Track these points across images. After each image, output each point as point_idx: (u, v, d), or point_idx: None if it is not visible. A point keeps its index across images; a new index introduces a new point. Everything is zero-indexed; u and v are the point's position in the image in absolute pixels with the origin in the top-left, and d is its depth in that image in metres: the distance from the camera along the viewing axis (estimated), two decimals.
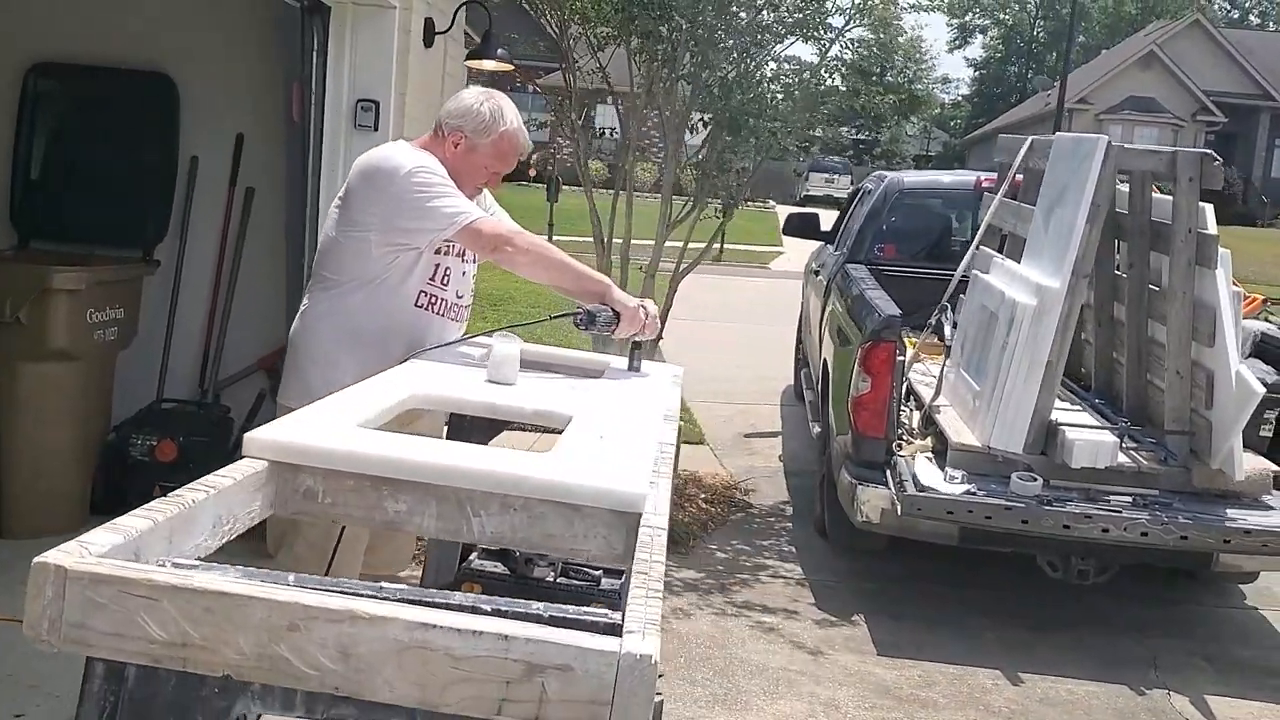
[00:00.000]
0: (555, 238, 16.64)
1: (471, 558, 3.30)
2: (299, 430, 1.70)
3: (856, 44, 5.78)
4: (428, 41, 4.50)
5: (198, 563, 1.29)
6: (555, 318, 2.87)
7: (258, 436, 1.64)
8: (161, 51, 5.05)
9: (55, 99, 5.22)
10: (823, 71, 5.78)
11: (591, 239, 5.96)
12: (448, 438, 2.82)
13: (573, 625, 1.19)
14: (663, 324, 6.12)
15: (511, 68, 4.76)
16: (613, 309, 2.72)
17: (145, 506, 1.30)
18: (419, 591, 1.28)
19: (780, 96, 5.47)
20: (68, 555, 1.13)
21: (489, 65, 4.59)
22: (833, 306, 6.16)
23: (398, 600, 1.18)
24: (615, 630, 1.17)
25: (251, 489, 1.57)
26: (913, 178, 7.55)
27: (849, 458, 4.81)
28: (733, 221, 18.45)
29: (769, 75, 5.58)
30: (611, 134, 6.29)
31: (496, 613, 1.23)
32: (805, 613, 4.56)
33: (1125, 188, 4.53)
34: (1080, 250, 4.19)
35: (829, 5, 5.74)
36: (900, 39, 51.51)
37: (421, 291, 2.78)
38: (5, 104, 5.15)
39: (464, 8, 4.68)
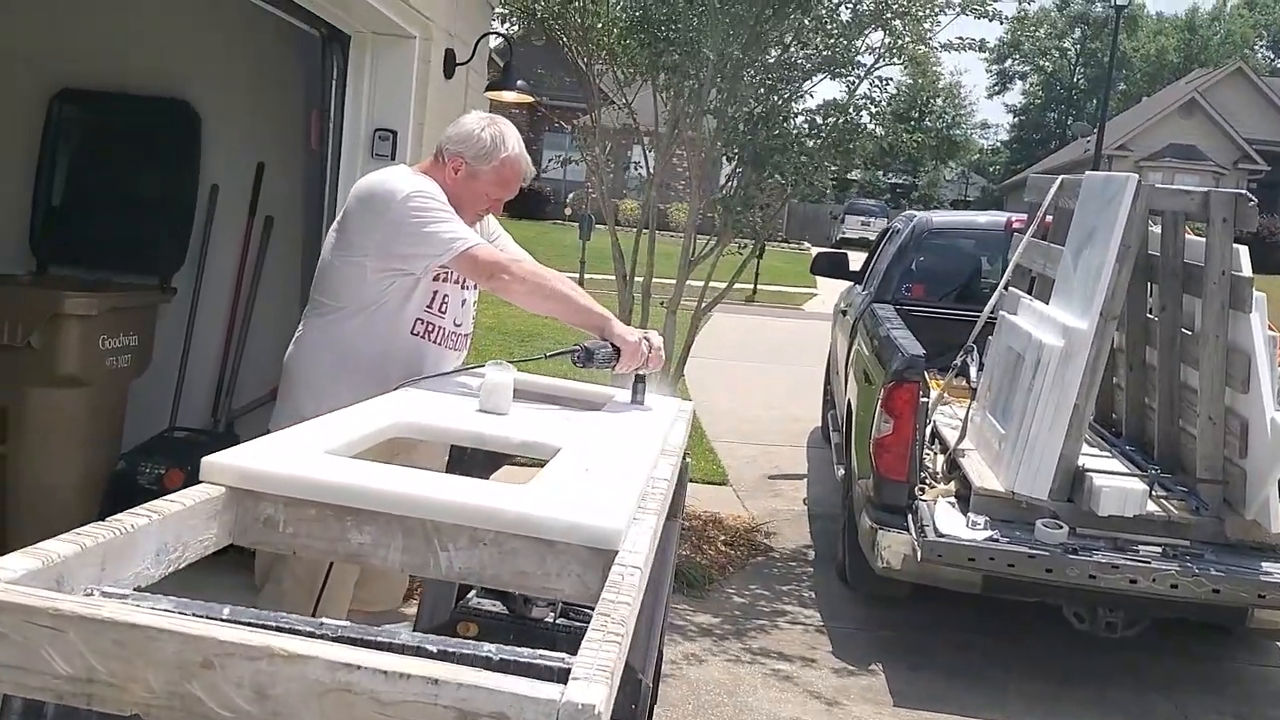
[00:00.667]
0: (587, 276, 16.62)
1: (469, 596, 3.20)
2: (261, 456, 1.62)
3: (886, 83, 5.67)
4: (448, 73, 4.46)
5: (129, 592, 1.21)
6: (551, 355, 2.79)
7: (216, 461, 1.56)
8: (184, 79, 5.05)
9: (79, 125, 5.23)
10: (850, 110, 5.69)
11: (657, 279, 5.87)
12: (448, 471, 2.73)
13: (524, 671, 1.09)
14: (684, 361, 6.06)
15: (532, 100, 4.71)
16: (613, 344, 2.63)
17: (75, 531, 1.22)
18: (362, 629, 1.18)
19: (807, 133, 5.39)
20: None
21: (509, 97, 4.55)
22: (858, 346, 6.06)
23: (325, 637, 1.09)
24: (565, 677, 1.07)
25: (205, 515, 1.49)
26: (941, 217, 7.44)
27: (870, 501, 4.68)
28: (765, 262, 18.33)
29: (796, 111, 5.50)
30: (636, 168, 6.20)
31: (442, 654, 1.14)
32: (822, 660, 4.42)
33: (1158, 229, 4.41)
34: (1109, 291, 4.07)
35: (859, 44, 5.67)
36: (939, 83, 51.60)
37: (418, 319, 2.70)
38: (30, 130, 5.16)
39: (486, 40, 4.65)
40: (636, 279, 5.78)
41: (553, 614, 3.07)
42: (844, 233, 34.35)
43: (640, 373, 2.68)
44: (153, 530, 1.35)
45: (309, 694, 1.00)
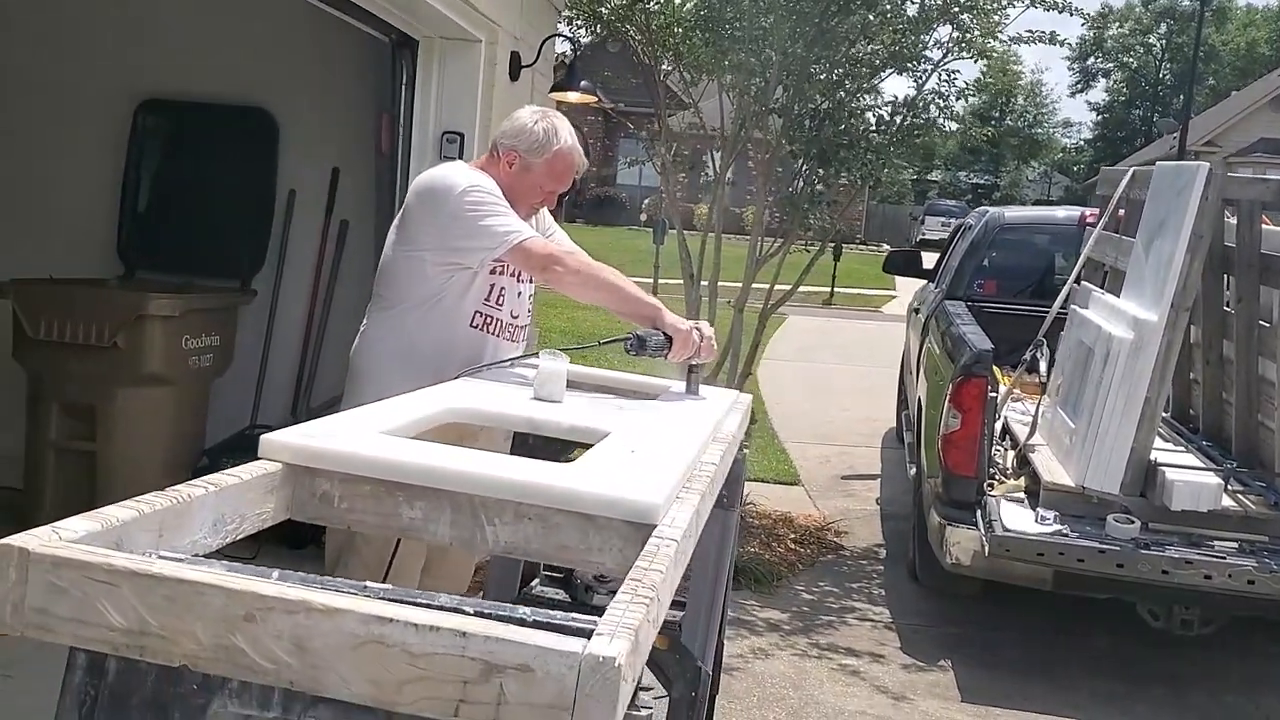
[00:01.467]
0: (660, 280, 16.69)
1: (533, 583, 3.26)
2: (317, 434, 1.69)
3: (954, 76, 5.61)
4: (513, 75, 4.54)
5: (184, 557, 1.27)
6: (605, 343, 2.83)
7: (274, 439, 1.63)
8: (262, 87, 5.20)
9: (162, 134, 5.42)
10: (919, 104, 5.66)
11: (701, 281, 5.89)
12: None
13: (555, 630, 1.14)
14: (753, 359, 6.07)
15: (595, 100, 4.76)
16: (665, 333, 2.67)
17: (135, 498, 1.29)
18: (404, 592, 1.23)
19: (873, 128, 5.37)
20: (34, 538, 1.11)
21: (572, 97, 4.61)
22: (929, 344, 6.02)
23: (366, 597, 1.14)
24: (591, 634, 1.11)
25: (263, 490, 1.56)
26: (1013, 213, 7.35)
27: (938, 497, 4.65)
28: (844, 264, 18.11)
29: (863, 107, 5.47)
30: (705, 170, 6.23)
31: (478, 614, 1.18)
32: (890, 656, 4.40)
33: (1235, 220, 4.32)
34: (1180, 282, 4.00)
35: (927, 38, 5.64)
36: (1020, 81, 50.79)
37: (477, 312, 2.77)
38: (116, 140, 5.36)
39: (551, 42, 4.72)
40: (703, 281, 5.81)
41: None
42: (924, 234, 33.94)
43: (693, 362, 2.71)
44: (209, 501, 1.42)
45: (344, 646, 1.06)
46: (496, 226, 2.63)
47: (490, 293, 2.78)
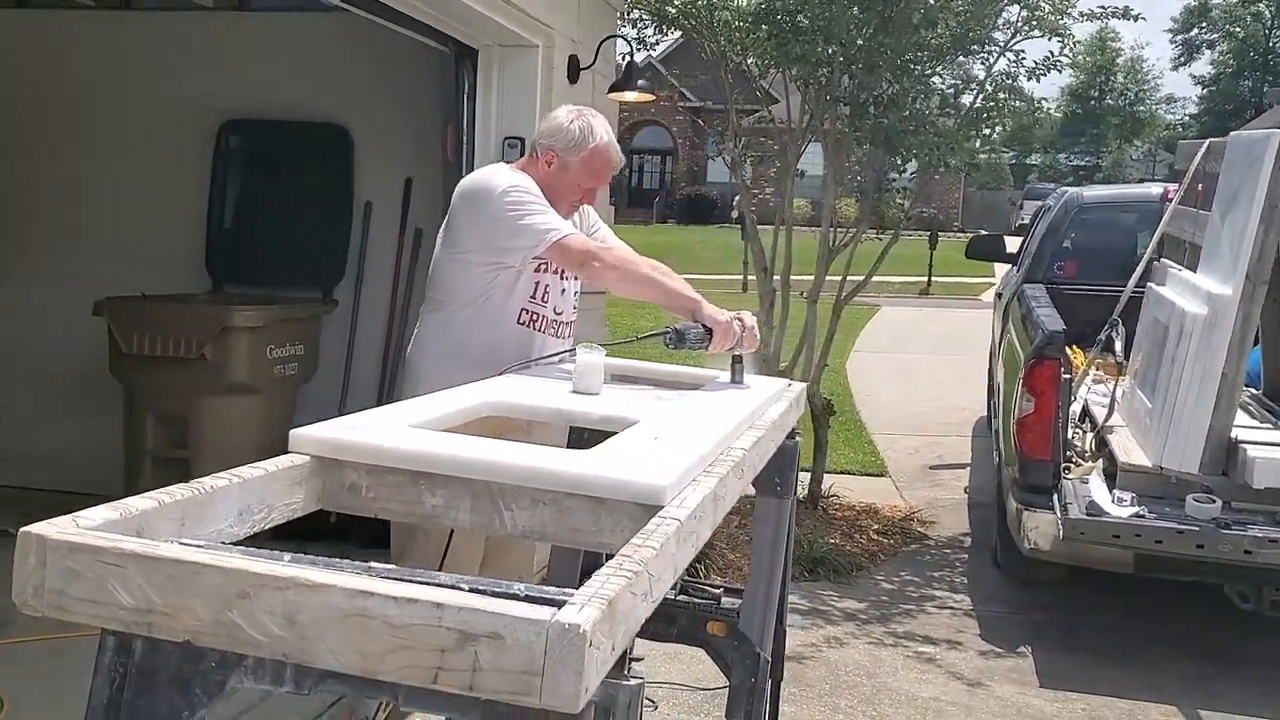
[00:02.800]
0: (749, 276, 16.62)
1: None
2: (345, 428, 1.77)
3: (1020, 57, 5.53)
4: (572, 78, 4.61)
5: (204, 543, 1.36)
6: (643, 338, 2.87)
7: (302, 433, 1.72)
8: (336, 103, 5.37)
9: (244, 153, 5.63)
10: (988, 86, 5.59)
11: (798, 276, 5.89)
12: None
13: (531, 600, 1.19)
14: (827, 351, 6.05)
15: (653, 97, 4.81)
16: (704, 325, 2.70)
17: (158, 490, 1.38)
18: (408, 573, 1.29)
19: (938, 112, 5.31)
20: (52, 527, 1.20)
21: (630, 96, 4.66)
22: (1007, 328, 5.94)
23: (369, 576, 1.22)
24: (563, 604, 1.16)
25: (289, 481, 1.65)
26: (1093, 192, 7.21)
27: (1015, 482, 4.60)
28: (941, 252, 17.78)
29: (930, 90, 5.41)
30: (770, 163, 6.23)
31: (473, 590, 1.24)
32: (968, 643, 4.37)
33: None
34: (1255, 255, 3.90)
35: (992, 20, 5.56)
36: (1119, 59, 49.41)
37: (523, 309, 2.84)
38: (201, 160, 5.58)
39: (613, 43, 4.78)
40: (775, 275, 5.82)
41: (672, 591, 3.16)
42: (1023, 219, 33.17)
43: (736, 353, 2.74)
44: (233, 491, 1.50)
45: (331, 619, 1.12)
46: (536, 225, 2.70)
47: (536, 290, 2.85)
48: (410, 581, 1.16)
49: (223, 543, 1.46)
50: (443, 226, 2.93)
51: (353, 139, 5.39)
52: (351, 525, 2.81)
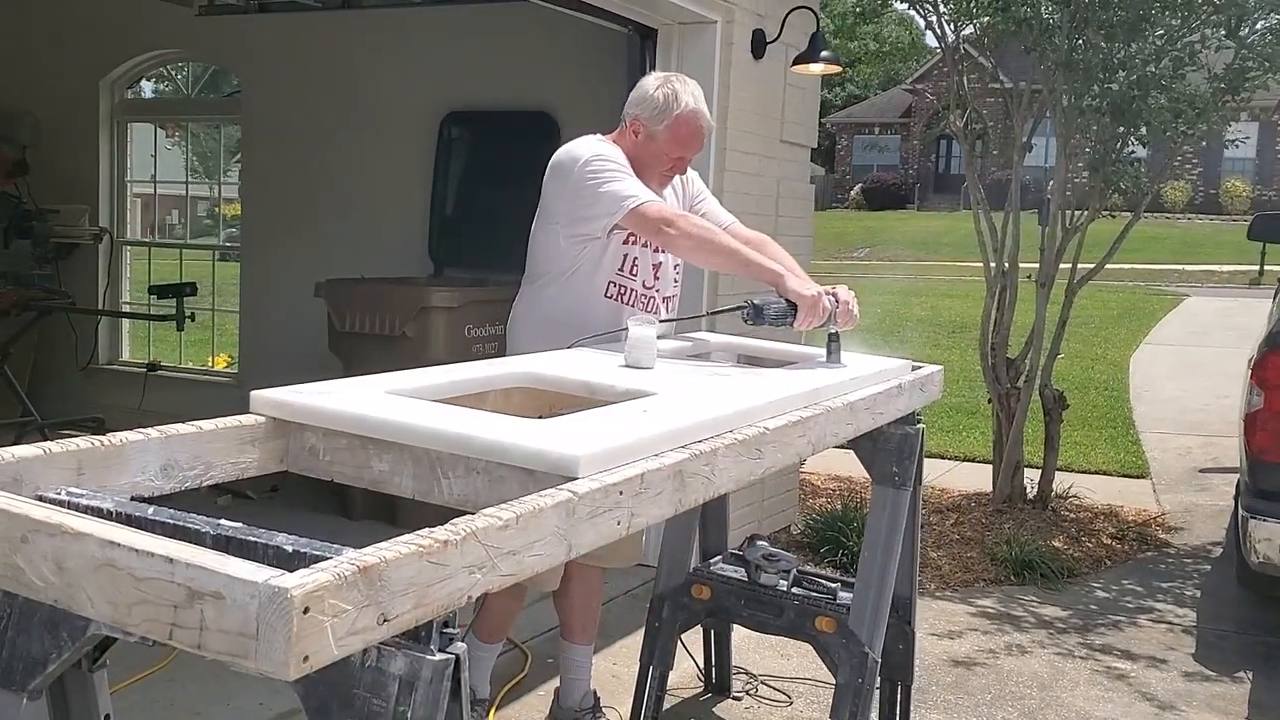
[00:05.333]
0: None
1: (713, 560, 3.23)
2: (304, 392, 1.78)
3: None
4: (756, 53, 4.48)
5: (86, 493, 1.40)
6: (715, 313, 2.74)
7: (260, 395, 1.75)
8: (543, 91, 5.49)
9: (463, 143, 5.86)
10: (1242, 49, 4.97)
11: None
12: None
13: (290, 560, 1.16)
14: (1059, 339, 5.60)
15: (839, 69, 4.59)
16: (787, 299, 2.55)
17: (46, 441, 1.44)
18: (247, 530, 1.28)
19: (1171, 74, 4.76)
20: None
21: (815, 69, 4.46)
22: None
23: (204, 535, 1.23)
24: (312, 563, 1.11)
25: (234, 440, 1.68)
26: None
27: (1246, 487, 4.11)
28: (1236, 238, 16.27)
29: (1166, 52, 4.87)
30: (997, 137, 5.84)
31: (240, 544, 1.23)
32: (1175, 663, 3.92)
33: None
34: None
35: None
36: None
37: (610, 282, 2.78)
38: (426, 151, 5.86)
39: (804, 13, 4.61)
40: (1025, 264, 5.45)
41: (785, 581, 3.03)
42: None
43: (830, 330, 2.57)
44: (151, 446, 1.55)
45: (87, 568, 1.13)
46: (615, 192, 2.63)
47: (623, 263, 2.79)
48: (173, 535, 1.15)
49: (134, 496, 1.51)
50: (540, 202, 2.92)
51: (559, 126, 5.48)
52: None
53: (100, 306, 7.00)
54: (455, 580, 1.24)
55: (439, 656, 1.21)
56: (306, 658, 1.04)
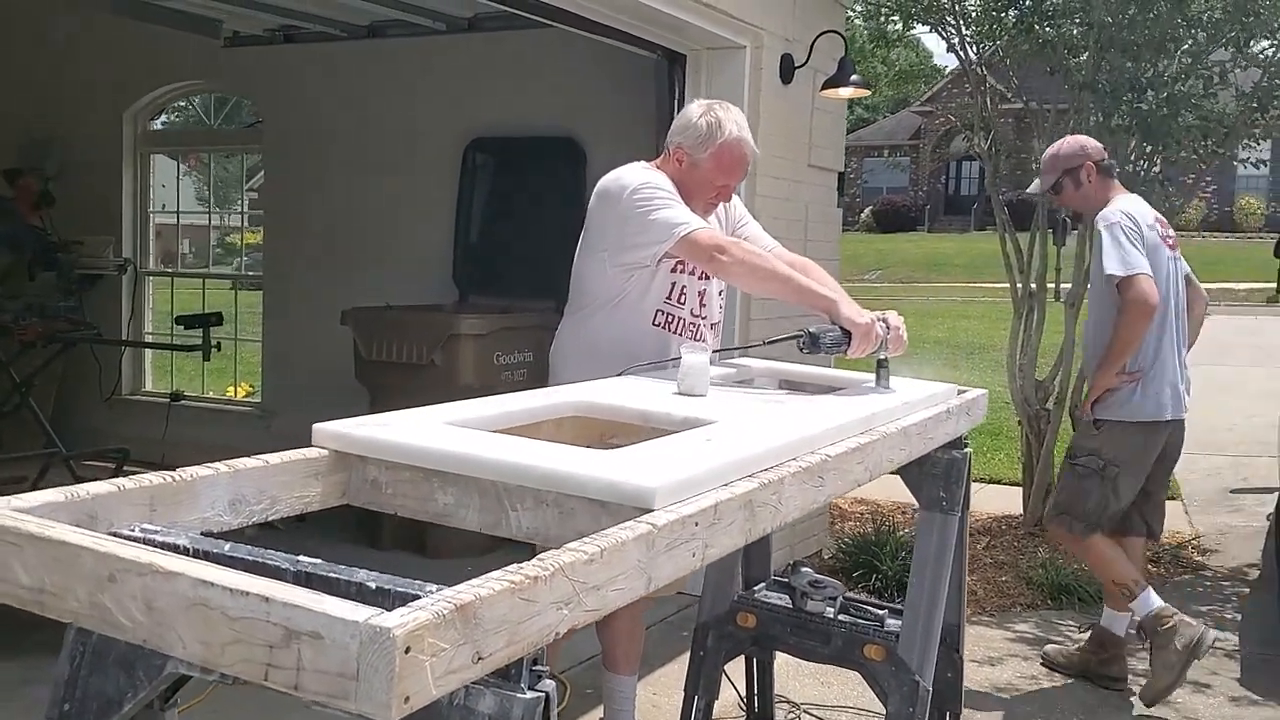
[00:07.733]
0: (1062, 284, 15.73)
1: (757, 588, 3.19)
2: (367, 425, 1.76)
3: None
4: (785, 78, 4.48)
5: (161, 529, 1.38)
6: (771, 341, 2.71)
7: (322, 428, 1.73)
8: (568, 117, 5.50)
9: (488, 170, 5.86)
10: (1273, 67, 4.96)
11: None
12: None
13: (381, 599, 1.14)
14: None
15: (868, 92, 4.59)
16: (842, 328, 2.52)
17: (120, 478, 1.42)
18: (328, 567, 1.26)
19: (1202, 93, 4.75)
20: None
21: (844, 93, 4.47)
22: None
23: (285, 574, 1.20)
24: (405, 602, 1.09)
25: (300, 474, 1.66)
26: None
27: None
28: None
29: (1194, 71, 4.86)
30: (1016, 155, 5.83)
31: (329, 581, 1.21)
32: (1220, 688, 3.87)
33: None
34: None
35: None
36: None
37: (658, 310, 2.76)
38: (449, 178, 5.87)
39: (832, 38, 4.61)
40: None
41: (831, 608, 2.99)
42: None
43: (879, 356, 2.54)
44: (220, 481, 1.53)
45: (179, 607, 1.11)
46: (665, 219, 2.62)
47: (672, 291, 2.77)
48: (264, 574, 1.13)
49: (204, 532, 1.49)
50: (584, 229, 2.91)
51: (583, 151, 5.49)
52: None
53: (124, 337, 7.00)
54: (544, 616, 1.21)
55: (530, 695, 1.19)
56: (408, 698, 1.02)
